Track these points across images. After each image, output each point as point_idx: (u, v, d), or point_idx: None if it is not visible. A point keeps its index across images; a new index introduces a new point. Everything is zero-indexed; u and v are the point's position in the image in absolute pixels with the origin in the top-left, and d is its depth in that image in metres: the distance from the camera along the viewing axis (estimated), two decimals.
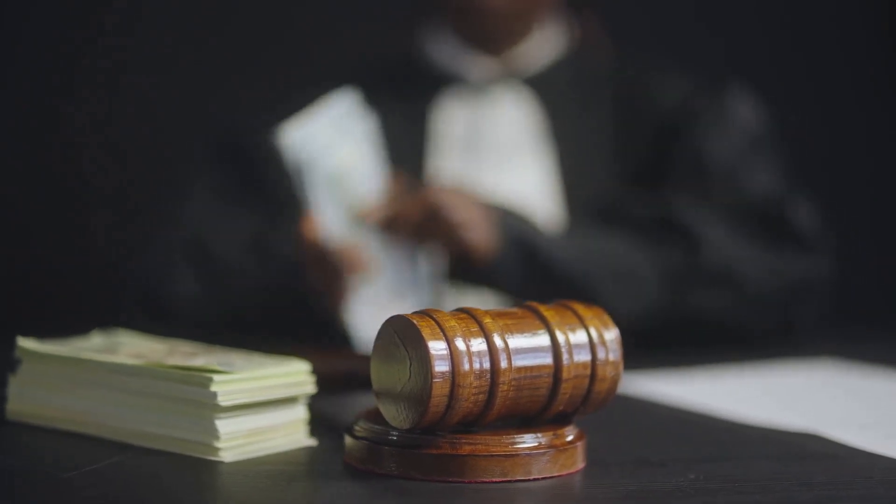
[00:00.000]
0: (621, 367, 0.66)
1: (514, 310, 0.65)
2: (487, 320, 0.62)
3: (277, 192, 1.26)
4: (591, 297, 1.09)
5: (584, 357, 0.65)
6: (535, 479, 0.62)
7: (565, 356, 0.64)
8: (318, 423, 0.72)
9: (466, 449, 0.62)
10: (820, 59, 1.85)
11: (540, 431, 0.64)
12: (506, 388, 0.62)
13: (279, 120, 1.09)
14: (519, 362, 0.62)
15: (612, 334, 0.66)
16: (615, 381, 0.66)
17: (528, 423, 0.66)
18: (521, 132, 1.35)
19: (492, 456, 0.62)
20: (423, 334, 0.60)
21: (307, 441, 0.70)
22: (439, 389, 0.60)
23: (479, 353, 0.61)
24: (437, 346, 0.60)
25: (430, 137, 1.34)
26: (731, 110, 1.35)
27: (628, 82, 1.40)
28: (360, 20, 1.73)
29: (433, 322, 0.61)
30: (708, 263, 1.23)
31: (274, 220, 1.25)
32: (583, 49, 1.41)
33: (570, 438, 0.65)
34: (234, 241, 1.26)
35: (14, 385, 0.75)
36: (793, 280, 1.26)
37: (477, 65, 1.35)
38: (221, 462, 0.66)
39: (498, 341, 0.62)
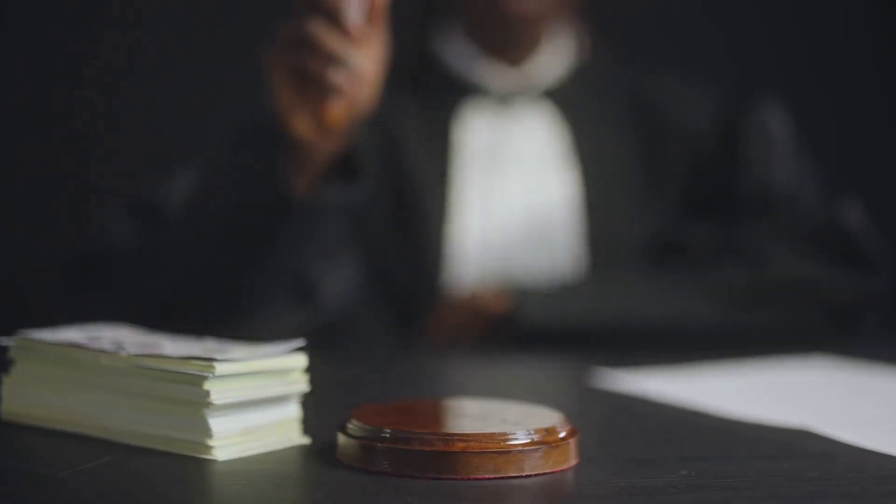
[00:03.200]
0: None
1: None
2: None
3: None
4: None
5: None
6: (527, 476, 0.62)
7: None
8: (312, 421, 0.72)
9: (459, 446, 0.62)
10: (833, 68, 1.85)
11: (533, 428, 0.64)
12: None
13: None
14: None
15: None
16: None
17: None
18: (546, 147, 1.32)
19: (484, 453, 0.62)
20: None
21: (300, 439, 0.71)
22: None
23: None
24: None
25: (453, 150, 1.31)
26: (773, 131, 1.34)
27: (649, 96, 1.37)
28: None
29: None
30: (776, 276, 1.25)
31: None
32: (595, 60, 1.39)
33: (562, 435, 0.65)
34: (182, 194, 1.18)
35: (7, 385, 0.75)
36: (858, 296, 1.28)
37: (497, 75, 1.32)
38: (214, 461, 0.66)
39: None
